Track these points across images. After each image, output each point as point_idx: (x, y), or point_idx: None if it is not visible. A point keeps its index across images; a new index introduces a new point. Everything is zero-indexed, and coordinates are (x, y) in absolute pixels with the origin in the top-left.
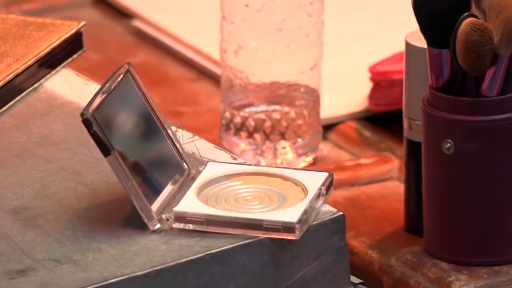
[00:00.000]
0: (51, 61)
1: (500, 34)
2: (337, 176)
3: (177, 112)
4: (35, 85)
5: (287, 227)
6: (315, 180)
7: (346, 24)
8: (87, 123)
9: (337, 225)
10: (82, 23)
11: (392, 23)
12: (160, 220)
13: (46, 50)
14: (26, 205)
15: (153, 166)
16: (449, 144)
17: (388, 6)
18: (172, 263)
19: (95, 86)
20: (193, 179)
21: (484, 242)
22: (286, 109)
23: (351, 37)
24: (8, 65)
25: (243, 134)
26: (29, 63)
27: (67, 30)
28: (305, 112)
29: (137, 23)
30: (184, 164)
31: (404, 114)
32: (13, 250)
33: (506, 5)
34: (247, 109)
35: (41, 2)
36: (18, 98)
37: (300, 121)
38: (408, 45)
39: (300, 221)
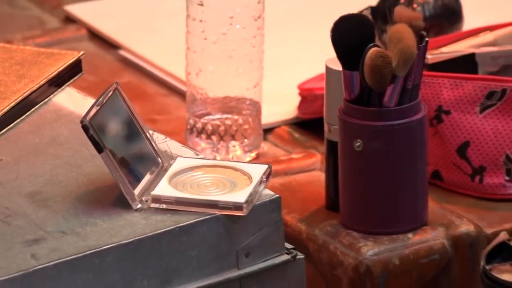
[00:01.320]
0: (58, 82)
1: (397, 60)
2: (274, 167)
3: (153, 119)
4: (46, 100)
5: (237, 206)
6: (258, 170)
7: (281, 52)
8: (85, 128)
9: (275, 204)
10: (81, 53)
11: (316, 51)
12: (141, 201)
13: (54, 73)
14: (39, 190)
15: (135, 160)
16: (359, 143)
17: (314, 39)
18: (150, 234)
19: (91, 100)
20: (166, 170)
21: (385, 217)
22: (236, 117)
23: (284, 62)
24: (25, 84)
25: (203, 136)
26: (41, 83)
27: (70, 58)
28: (250, 119)
29: (123, 53)
30: (159, 158)
31: (325, 120)
32: (29, 225)
33: (402, 38)
34: (206, 117)
35: (50, 37)
36: (33, 109)
37: (246, 126)
38: (327, 68)
39: (247, 201)
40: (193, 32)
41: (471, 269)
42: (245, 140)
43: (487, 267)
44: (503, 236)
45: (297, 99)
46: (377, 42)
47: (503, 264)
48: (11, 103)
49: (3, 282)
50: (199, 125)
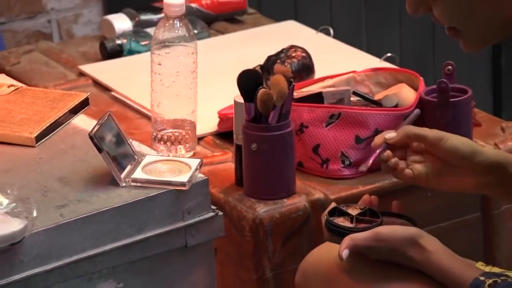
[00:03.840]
0: (74, 111)
1: (276, 96)
2: (204, 161)
3: (132, 133)
4: (68, 122)
5: (182, 184)
6: (194, 162)
7: (207, 91)
8: (91, 138)
9: (204, 182)
10: (88, 94)
11: (229, 92)
12: (125, 182)
13: (72, 106)
14: (64, 176)
15: (122, 157)
16: (254, 145)
17: (226, 84)
18: (131, 201)
19: (94, 122)
20: (139, 163)
21: (270, 189)
22: (181, 131)
23: (209, 98)
24: (55, 113)
25: (162, 142)
26: (65, 111)
27: (81, 97)
28: (190, 132)
29: (113, 93)
30: (135, 156)
31: (234, 132)
32: (59, 196)
33: (278, 83)
34: (163, 131)
35: (70, 84)
36: (59, 128)
37: (187, 136)
38: (235, 101)
39: (188, 181)
40: (155, 80)
41: (321, 221)
42: (187, 144)
43: (330, 218)
44: (333, 204)
45: (217, 120)
46: (265, 85)
47: (339, 218)
48: (47, 124)
49: (43, 231)
50: (159, 136)
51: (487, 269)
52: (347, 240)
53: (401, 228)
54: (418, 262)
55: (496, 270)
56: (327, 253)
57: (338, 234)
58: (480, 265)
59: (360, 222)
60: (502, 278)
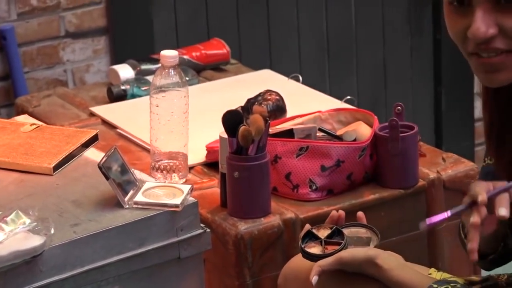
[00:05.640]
0: (86, 145)
1: (254, 132)
2: (195, 186)
3: (134, 163)
4: (80, 154)
5: (176, 205)
6: (186, 188)
7: (197, 128)
8: (100, 168)
9: (195, 204)
10: (97, 131)
11: (215, 128)
12: (128, 204)
13: (84, 141)
14: (77, 199)
15: (125, 184)
16: (236, 173)
17: (213, 122)
18: (133, 220)
19: (102, 154)
20: (140, 188)
21: (250, 210)
22: (175, 161)
23: (199, 133)
24: (70, 147)
25: (159, 171)
26: (78, 145)
27: (92, 133)
28: (182, 162)
29: (119, 130)
30: (137, 182)
31: (219, 162)
32: (73, 216)
33: (256, 121)
34: (160, 162)
35: (82, 123)
36: (73, 159)
37: (180, 166)
38: (220, 137)
39: (181, 203)
40: (153, 119)
41: (292, 237)
42: (180, 173)
43: (303, 246)
44: (308, 226)
45: (205, 152)
46: (245, 123)
47: (311, 243)
48: (63, 156)
49: (59, 246)
50: (157, 166)
51: (438, 275)
52: (316, 267)
53: (360, 251)
54: (377, 277)
55: (446, 275)
56: (305, 260)
57: (310, 260)
58: (433, 271)
59: (328, 244)
60: (452, 284)
